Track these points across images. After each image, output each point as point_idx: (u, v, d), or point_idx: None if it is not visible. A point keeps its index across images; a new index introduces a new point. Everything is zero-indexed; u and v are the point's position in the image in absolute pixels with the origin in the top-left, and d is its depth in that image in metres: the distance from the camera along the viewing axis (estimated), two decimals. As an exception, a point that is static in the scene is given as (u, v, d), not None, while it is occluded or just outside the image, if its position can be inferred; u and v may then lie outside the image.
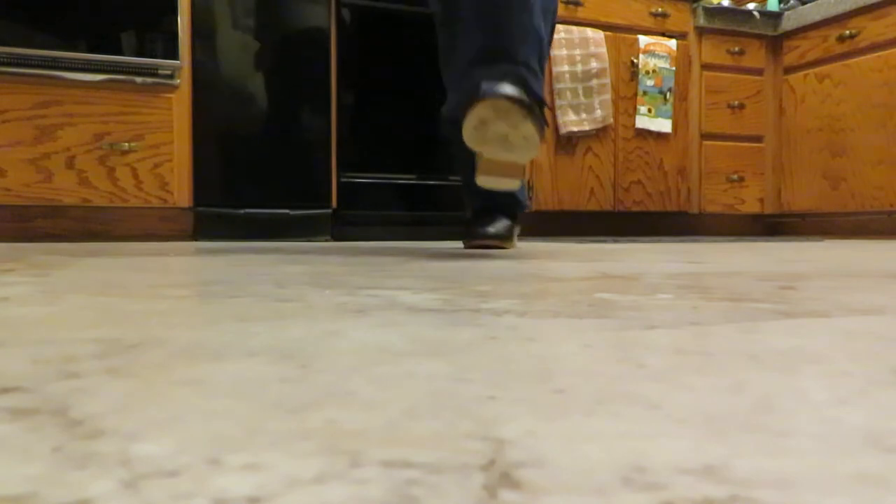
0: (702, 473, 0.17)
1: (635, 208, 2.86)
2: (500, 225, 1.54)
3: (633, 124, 2.84)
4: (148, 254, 1.29)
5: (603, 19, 2.78)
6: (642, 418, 0.22)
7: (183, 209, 2.24)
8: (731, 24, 3.01)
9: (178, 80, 2.20)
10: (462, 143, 1.26)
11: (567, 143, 2.73)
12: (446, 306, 0.49)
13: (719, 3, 3.09)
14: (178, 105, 2.21)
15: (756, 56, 3.09)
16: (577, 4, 2.72)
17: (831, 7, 2.83)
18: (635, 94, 2.83)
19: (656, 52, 2.85)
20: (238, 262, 1.01)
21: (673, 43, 2.88)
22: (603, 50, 2.73)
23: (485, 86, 1.20)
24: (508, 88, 1.19)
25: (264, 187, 2.32)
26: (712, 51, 3.00)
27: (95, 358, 0.30)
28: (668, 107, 2.88)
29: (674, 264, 1.02)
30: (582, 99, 2.72)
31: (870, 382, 0.27)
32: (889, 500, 0.15)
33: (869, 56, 2.72)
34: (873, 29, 2.70)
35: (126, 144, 2.15)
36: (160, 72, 2.17)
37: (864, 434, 0.20)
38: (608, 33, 2.76)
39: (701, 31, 2.98)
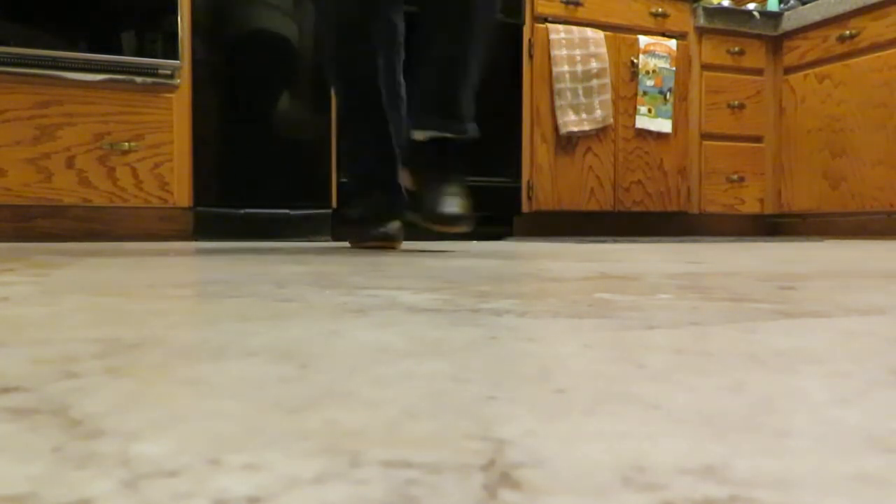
0: (702, 473, 0.17)
1: (635, 208, 2.86)
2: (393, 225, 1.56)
3: (633, 124, 2.84)
4: (148, 254, 1.29)
5: (603, 19, 2.78)
6: (642, 418, 0.22)
7: (183, 209, 2.24)
8: (731, 25, 3.01)
9: (178, 80, 2.20)
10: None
11: (567, 143, 2.73)
12: (446, 306, 0.49)
13: (719, 4, 3.09)
14: (178, 105, 2.21)
15: (756, 56, 3.09)
16: (577, 4, 2.72)
17: (831, 7, 2.83)
18: (635, 94, 2.83)
19: (656, 52, 2.85)
20: (238, 262, 1.01)
21: (673, 43, 2.88)
22: (603, 50, 2.73)
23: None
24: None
25: (264, 187, 2.32)
26: (712, 51, 3.00)
27: (95, 358, 0.30)
28: (668, 107, 2.88)
29: (674, 264, 1.02)
30: (582, 99, 2.72)
31: (870, 382, 0.27)
32: (889, 500, 0.15)
33: (869, 56, 2.72)
34: (873, 29, 2.70)
35: (126, 144, 2.15)
36: (160, 72, 2.18)
37: (864, 434, 0.20)
38: (608, 33, 2.76)
39: (701, 32, 2.98)
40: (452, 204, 1.40)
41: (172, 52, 2.17)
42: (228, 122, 2.29)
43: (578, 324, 0.42)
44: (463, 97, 1.47)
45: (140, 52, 2.15)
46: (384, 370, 0.28)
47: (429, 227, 1.43)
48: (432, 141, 1.43)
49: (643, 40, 2.83)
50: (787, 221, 3.13)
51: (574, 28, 2.70)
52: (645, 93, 2.84)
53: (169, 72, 2.18)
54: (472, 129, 1.49)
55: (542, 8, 2.68)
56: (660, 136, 2.89)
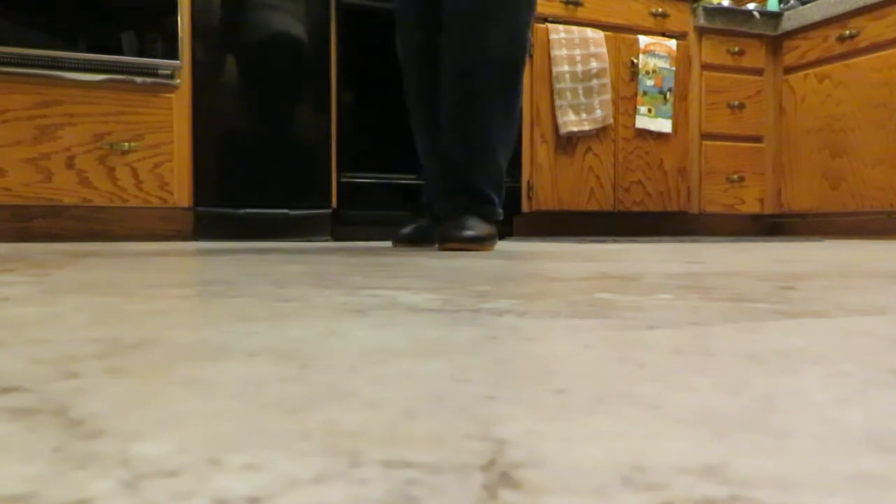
0: (702, 473, 0.17)
1: (635, 208, 2.86)
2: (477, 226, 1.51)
3: (633, 124, 2.84)
4: (148, 254, 1.29)
5: (603, 19, 2.78)
6: (642, 418, 0.22)
7: (183, 209, 2.24)
8: (731, 24, 3.01)
9: (178, 80, 2.20)
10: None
11: (567, 143, 2.73)
12: (446, 306, 0.49)
13: (719, 3, 3.09)
14: (178, 105, 2.21)
15: (756, 56, 3.09)
16: (577, 4, 2.72)
17: (831, 7, 2.83)
18: (635, 94, 2.83)
19: (656, 52, 2.85)
20: (238, 262, 1.01)
21: (673, 43, 2.88)
22: (603, 50, 2.73)
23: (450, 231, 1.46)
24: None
25: (264, 187, 2.32)
26: (712, 51, 3.00)
27: (95, 358, 0.30)
28: (668, 107, 2.88)
29: (674, 264, 1.02)
30: (582, 99, 2.72)
31: (870, 382, 0.27)
32: (889, 500, 0.15)
33: (869, 56, 2.72)
34: (873, 29, 2.70)
35: (126, 144, 2.15)
36: (160, 72, 2.18)
37: (864, 434, 0.20)
38: (608, 33, 2.76)
39: (701, 31, 2.98)
40: (465, 228, 1.46)
41: (172, 53, 2.17)
42: (228, 122, 2.29)
43: (578, 324, 0.42)
44: (483, 176, 1.56)
45: (140, 53, 2.15)
46: (384, 370, 0.28)
47: (443, 249, 1.48)
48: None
49: (643, 40, 2.83)
50: (787, 221, 3.13)
51: (574, 28, 2.70)
52: (645, 93, 2.84)
53: (169, 72, 2.18)
54: (497, 212, 1.58)
55: (542, 8, 2.68)
56: (660, 136, 2.89)
